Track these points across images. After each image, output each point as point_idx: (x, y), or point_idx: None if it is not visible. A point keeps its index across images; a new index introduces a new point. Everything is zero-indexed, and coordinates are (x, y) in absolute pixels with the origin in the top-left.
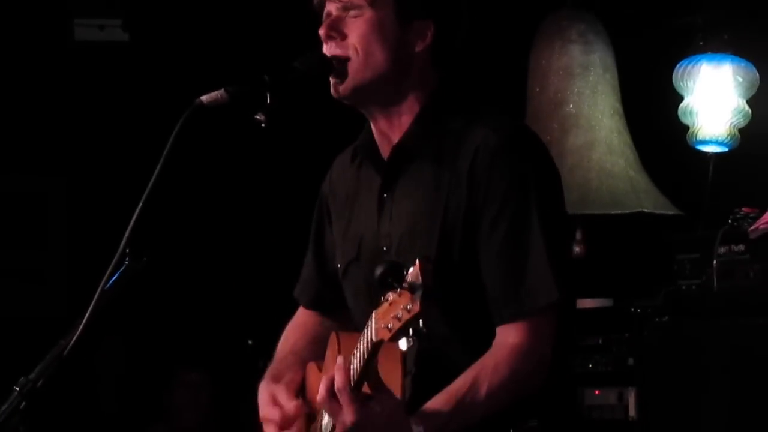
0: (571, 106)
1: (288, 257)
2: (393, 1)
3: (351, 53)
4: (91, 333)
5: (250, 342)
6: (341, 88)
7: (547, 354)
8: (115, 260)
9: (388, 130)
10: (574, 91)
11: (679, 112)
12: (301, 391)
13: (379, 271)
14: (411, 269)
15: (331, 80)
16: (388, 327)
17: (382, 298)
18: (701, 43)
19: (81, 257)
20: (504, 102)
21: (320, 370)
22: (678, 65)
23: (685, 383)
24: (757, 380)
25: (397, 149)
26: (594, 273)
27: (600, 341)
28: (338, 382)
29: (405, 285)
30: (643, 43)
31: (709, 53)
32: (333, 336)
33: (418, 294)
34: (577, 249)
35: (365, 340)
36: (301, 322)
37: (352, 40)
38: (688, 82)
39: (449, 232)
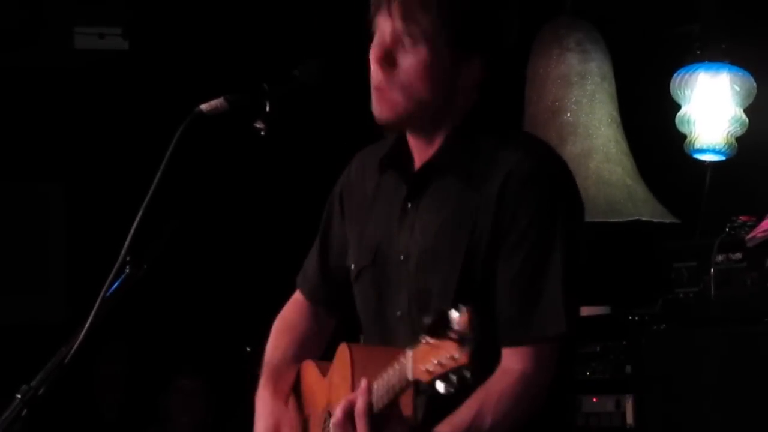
0: (568, 114)
1: (287, 264)
2: (449, 37)
3: (397, 87)
4: (92, 340)
5: (248, 349)
6: (382, 116)
7: (547, 383)
8: (116, 268)
9: (424, 146)
10: (572, 99)
11: (677, 121)
12: (295, 388)
13: (428, 321)
14: (458, 317)
15: (373, 102)
16: (427, 370)
17: (422, 339)
18: (698, 51)
19: (80, 263)
20: (501, 110)
21: (322, 373)
22: (675, 74)
23: (682, 391)
24: (754, 387)
25: (428, 165)
26: (591, 281)
27: (598, 349)
28: (359, 407)
29: (453, 335)
30: (641, 51)
31: (707, 62)
32: (344, 347)
33: (468, 346)
34: None
35: (397, 375)
36: (291, 324)
37: (401, 76)
38: (686, 91)
39: (473, 254)
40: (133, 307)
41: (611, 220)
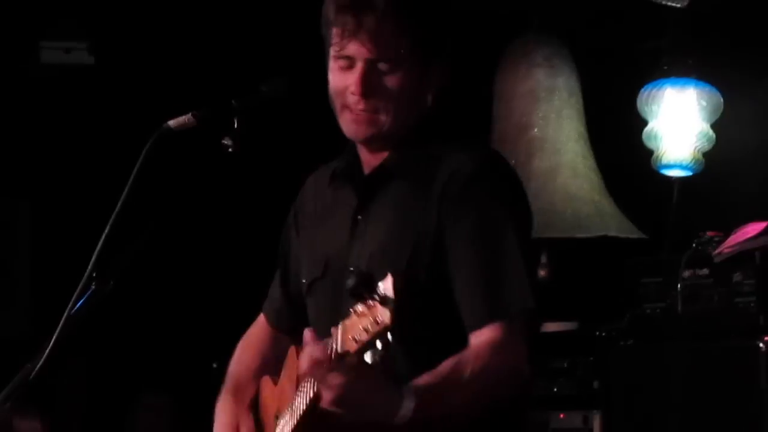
0: (536, 129)
1: (254, 281)
2: (421, 59)
3: (381, 111)
4: (57, 357)
5: (214, 365)
6: (364, 135)
7: (524, 352)
8: (81, 284)
9: (374, 155)
10: (540, 115)
11: (644, 136)
12: (253, 406)
13: (351, 282)
14: (383, 282)
15: (350, 123)
16: (355, 338)
17: (351, 309)
18: (665, 67)
19: (44, 279)
20: (469, 125)
21: (275, 384)
22: (642, 89)
23: (649, 406)
24: (721, 403)
25: (377, 171)
26: (559, 296)
27: (565, 364)
28: (316, 353)
29: (377, 297)
30: (608, 67)
31: (674, 77)
32: (292, 349)
33: (390, 306)
34: (542, 272)
35: (331, 350)
36: (255, 341)
37: (383, 101)
38: (653, 106)
39: (418, 254)
40: (97, 322)
41: (579, 235)
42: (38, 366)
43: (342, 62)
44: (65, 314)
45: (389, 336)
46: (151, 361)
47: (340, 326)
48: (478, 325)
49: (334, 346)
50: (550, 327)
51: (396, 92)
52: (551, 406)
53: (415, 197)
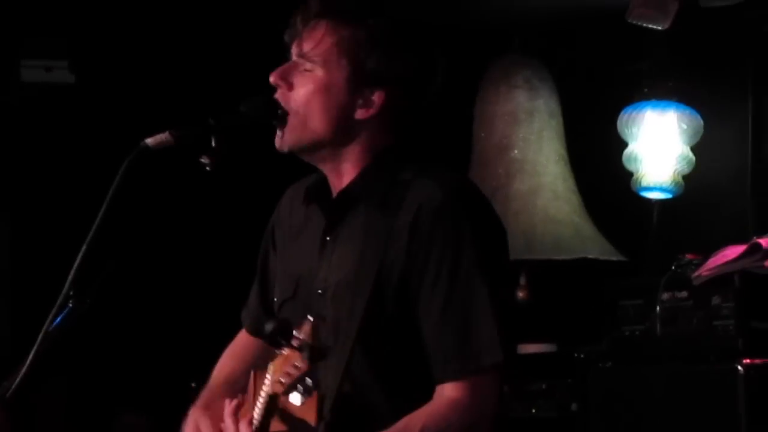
0: (516, 151)
1: (233, 299)
2: (347, 67)
3: (292, 107)
4: (34, 375)
5: (193, 385)
6: (280, 143)
7: (488, 412)
8: (59, 302)
9: (335, 179)
10: (520, 136)
11: (624, 159)
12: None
13: (268, 328)
14: (302, 326)
15: (277, 131)
16: (280, 381)
17: (278, 352)
18: (646, 90)
19: (24, 297)
20: (449, 147)
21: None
22: (623, 112)
23: (628, 429)
24: (699, 426)
25: (342, 194)
26: (538, 318)
27: (544, 387)
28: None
29: (294, 343)
30: (588, 89)
31: (654, 100)
32: (252, 373)
33: (306, 352)
34: (521, 294)
35: (264, 391)
36: (239, 350)
37: (295, 96)
38: (633, 129)
39: (384, 283)
40: (75, 341)
41: (558, 257)
42: (15, 384)
43: None
44: (42, 332)
45: (308, 380)
46: (129, 380)
47: (270, 367)
48: (442, 379)
49: (256, 416)
50: (529, 349)
51: (306, 94)
52: (530, 429)
53: (382, 225)
